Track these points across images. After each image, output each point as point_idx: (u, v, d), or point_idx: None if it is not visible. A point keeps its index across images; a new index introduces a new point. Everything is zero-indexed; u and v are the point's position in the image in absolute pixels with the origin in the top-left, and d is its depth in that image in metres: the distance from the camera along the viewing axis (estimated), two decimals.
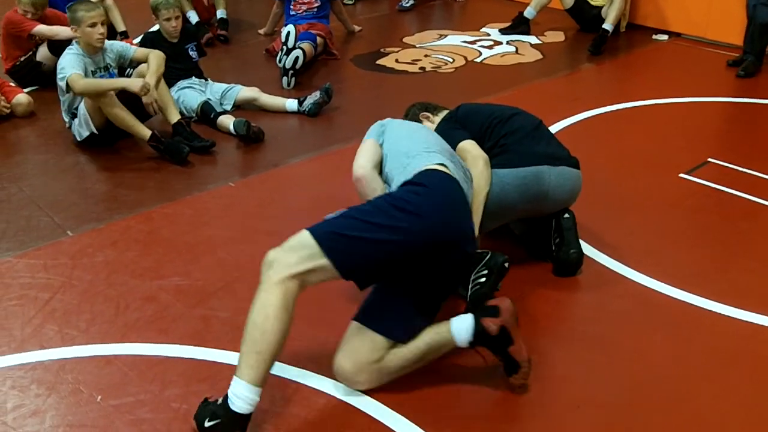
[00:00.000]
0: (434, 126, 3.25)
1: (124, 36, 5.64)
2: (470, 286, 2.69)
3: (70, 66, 4.09)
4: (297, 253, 2.27)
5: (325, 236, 2.29)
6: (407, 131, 2.83)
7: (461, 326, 2.40)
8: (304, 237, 2.31)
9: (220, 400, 2.20)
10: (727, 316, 2.84)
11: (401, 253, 2.33)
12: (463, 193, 2.57)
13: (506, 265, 2.70)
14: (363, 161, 2.79)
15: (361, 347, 2.41)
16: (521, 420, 2.38)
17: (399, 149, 2.71)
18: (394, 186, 2.58)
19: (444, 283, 2.52)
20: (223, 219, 3.55)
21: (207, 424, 2.18)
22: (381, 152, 2.80)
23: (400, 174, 2.58)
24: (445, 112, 3.33)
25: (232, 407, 2.17)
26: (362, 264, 2.33)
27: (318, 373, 2.51)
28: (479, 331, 2.37)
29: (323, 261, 2.26)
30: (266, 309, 2.22)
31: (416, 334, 2.43)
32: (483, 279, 2.67)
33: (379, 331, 2.40)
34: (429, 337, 2.43)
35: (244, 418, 2.19)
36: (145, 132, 4.11)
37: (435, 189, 2.46)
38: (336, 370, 2.44)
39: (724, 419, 2.36)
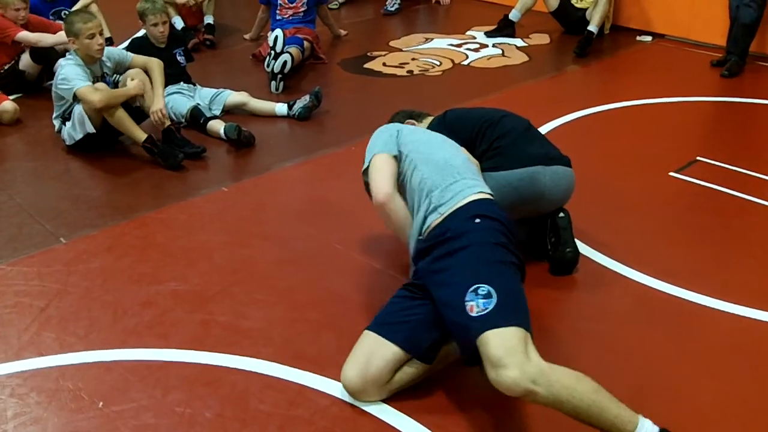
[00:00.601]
0: None
1: (110, 42, 5.60)
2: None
3: (77, 78, 4.04)
4: (518, 351, 2.05)
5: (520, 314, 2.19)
6: (434, 138, 2.76)
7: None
8: (510, 332, 2.09)
9: None
10: (724, 311, 2.87)
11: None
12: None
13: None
14: (383, 184, 2.55)
15: (375, 360, 2.33)
16: (520, 417, 2.38)
17: (437, 159, 2.59)
18: (437, 199, 2.49)
19: None
20: (218, 223, 3.54)
21: None
22: (396, 166, 2.62)
23: (445, 190, 2.50)
24: (430, 118, 3.33)
25: None
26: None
27: (322, 375, 2.50)
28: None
29: (527, 334, 2.14)
30: (579, 383, 2.06)
31: (435, 348, 2.37)
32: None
33: (398, 343, 2.33)
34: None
35: None
36: (141, 135, 4.10)
37: (509, 225, 2.47)
38: (344, 382, 2.37)
39: (723, 414, 2.38)
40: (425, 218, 2.50)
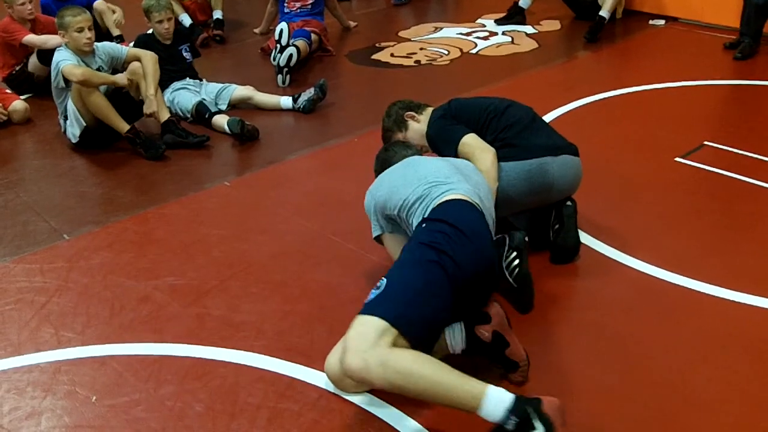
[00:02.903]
0: (422, 125, 3.21)
1: (120, 40, 5.65)
2: (507, 273, 2.66)
3: (64, 59, 4.13)
4: (368, 338, 2.11)
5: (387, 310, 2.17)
6: (399, 177, 2.67)
7: (453, 335, 2.34)
8: (368, 321, 2.15)
9: (513, 422, 2.01)
10: (724, 299, 2.82)
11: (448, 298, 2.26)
12: (483, 218, 2.48)
13: (525, 239, 2.70)
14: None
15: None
16: None
17: (400, 197, 2.57)
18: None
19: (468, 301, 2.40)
20: (218, 218, 3.56)
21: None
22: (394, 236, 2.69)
23: (414, 215, 2.51)
24: (429, 110, 3.28)
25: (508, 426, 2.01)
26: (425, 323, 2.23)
27: (311, 367, 2.51)
28: (473, 340, 2.33)
29: (394, 333, 2.13)
30: (416, 362, 2.07)
31: (425, 335, 2.25)
32: (516, 260, 2.65)
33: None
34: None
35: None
36: (123, 125, 4.16)
37: (459, 224, 2.35)
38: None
39: (720, 401, 2.34)
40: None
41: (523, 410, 2.00)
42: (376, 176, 2.89)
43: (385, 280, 2.26)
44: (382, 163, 2.95)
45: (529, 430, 1.99)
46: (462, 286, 2.26)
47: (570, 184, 3.09)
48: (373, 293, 2.24)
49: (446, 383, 2.06)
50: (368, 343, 2.09)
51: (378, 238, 2.78)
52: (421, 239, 2.35)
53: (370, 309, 2.18)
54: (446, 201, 2.46)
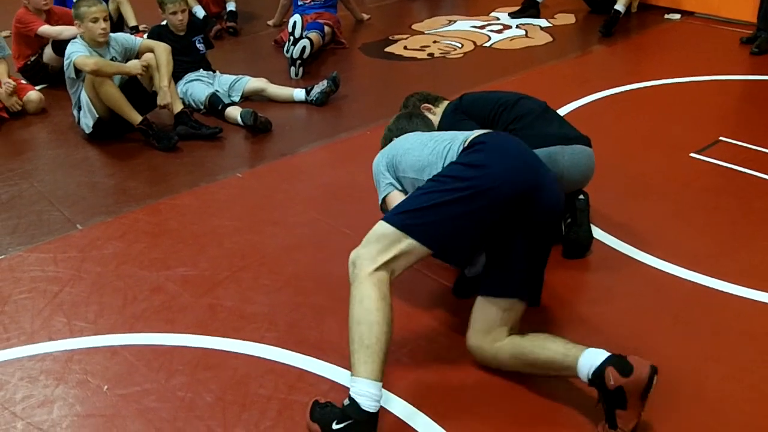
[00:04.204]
0: (437, 117, 3.21)
1: (135, 30, 5.67)
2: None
3: (76, 51, 4.15)
4: (377, 244, 2.24)
5: (400, 218, 2.25)
6: (417, 144, 2.64)
7: (588, 362, 2.15)
8: (380, 227, 2.27)
9: (346, 402, 2.12)
10: (739, 296, 2.80)
11: (483, 211, 2.24)
12: (525, 145, 2.47)
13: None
14: None
15: (484, 315, 2.35)
16: (517, 400, 2.36)
17: (423, 163, 2.56)
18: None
19: (544, 233, 2.39)
20: (230, 209, 3.57)
21: (336, 426, 2.10)
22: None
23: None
24: (445, 103, 3.29)
25: (362, 407, 2.09)
26: (447, 233, 2.24)
27: (322, 360, 2.51)
28: (598, 375, 2.11)
29: (407, 242, 2.22)
30: (364, 303, 2.16)
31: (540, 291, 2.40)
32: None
33: (505, 296, 2.33)
34: (556, 352, 2.23)
35: (375, 417, 2.12)
36: (136, 116, 4.17)
37: (496, 142, 2.40)
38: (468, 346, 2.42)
39: (733, 400, 2.32)
40: None
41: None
42: (382, 146, 2.94)
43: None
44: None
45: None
46: (501, 198, 2.23)
47: (582, 174, 3.07)
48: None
49: (385, 331, 2.16)
50: (368, 245, 2.24)
51: (384, 202, 2.73)
52: (455, 161, 2.38)
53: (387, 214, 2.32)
54: (480, 134, 2.46)
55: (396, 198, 2.66)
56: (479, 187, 2.23)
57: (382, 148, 2.93)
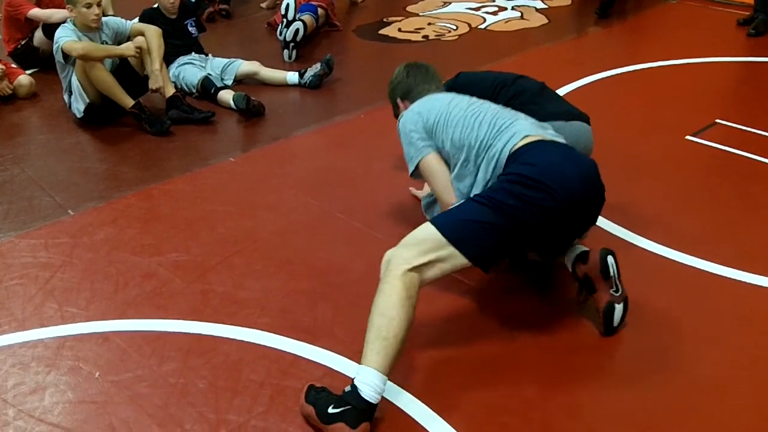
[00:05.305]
0: None
1: None
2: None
3: (64, 36, 4.11)
4: (416, 247, 2.24)
5: (451, 228, 2.26)
6: (460, 117, 2.62)
7: (569, 262, 2.55)
8: (426, 230, 2.28)
9: (347, 388, 2.11)
10: (736, 280, 2.78)
11: (538, 229, 2.33)
12: (564, 146, 2.50)
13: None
14: (449, 195, 2.63)
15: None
16: (516, 382, 2.35)
17: (464, 141, 2.56)
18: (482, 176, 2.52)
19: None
20: (223, 194, 3.54)
21: (332, 410, 2.08)
22: (442, 160, 2.66)
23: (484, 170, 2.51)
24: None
25: (363, 395, 2.07)
26: (496, 252, 2.31)
27: (315, 345, 2.49)
28: (573, 271, 2.55)
29: (449, 251, 2.24)
30: (390, 297, 2.15)
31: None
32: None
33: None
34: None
35: (373, 408, 2.10)
36: (128, 100, 4.13)
37: (549, 152, 2.42)
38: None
39: (730, 383, 2.31)
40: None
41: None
42: (395, 98, 2.96)
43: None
44: (407, 89, 2.97)
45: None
46: (559, 214, 2.32)
47: (582, 151, 3.04)
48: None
49: (399, 337, 2.13)
50: (405, 247, 2.26)
51: (418, 167, 2.70)
52: (492, 193, 2.36)
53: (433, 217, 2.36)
54: (516, 150, 2.44)
55: (433, 162, 2.66)
56: (541, 214, 2.29)
57: (392, 97, 2.98)
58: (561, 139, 2.56)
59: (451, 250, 2.24)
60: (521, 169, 2.36)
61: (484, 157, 2.51)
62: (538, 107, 3.00)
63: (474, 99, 2.74)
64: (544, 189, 2.29)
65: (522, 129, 2.50)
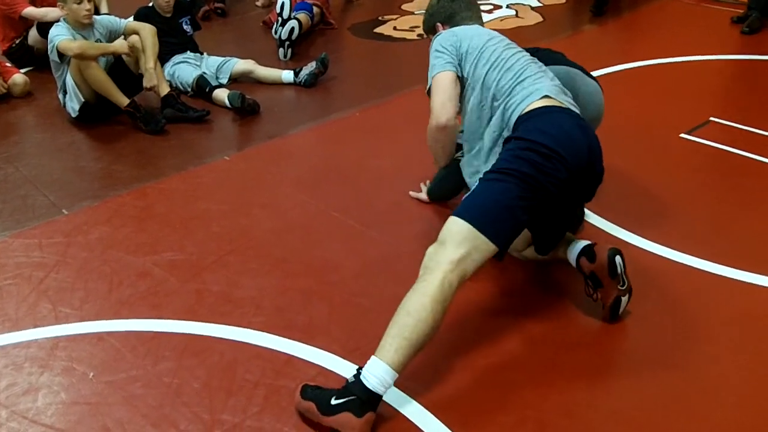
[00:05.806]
0: None
1: None
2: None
3: (59, 35, 4.10)
4: (451, 242, 2.20)
5: (473, 216, 2.23)
6: (498, 60, 2.61)
7: (572, 254, 2.57)
8: (454, 225, 2.24)
9: (351, 379, 2.09)
10: (729, 278, 2.78)
11: (550, 201, 2.34)
12: (577, 116, 2.49)
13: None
14: (450, 107, 2.62)
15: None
16: (512, 382, 2.35)
17: (491, 83, 2.57)
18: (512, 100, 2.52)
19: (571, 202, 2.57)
20: (218, 193, 3.53)
21: (335, 401, 2.06)
22: (459, 85, 2.64)
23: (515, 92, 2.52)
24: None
25: (368, 385, 2.05)
26: (514, 231, 2.32)
27: (311, 345, 2.49)
28: (577, 265, 2.56)
29: (480, 240, 2.21)
30: (422, 298, 2.11)
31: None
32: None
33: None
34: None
35: (377, 399, 2.08)
36: (123, 99, 4.12)
37: (559, 121, 2.41)
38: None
39: (724, 381, 2.32)
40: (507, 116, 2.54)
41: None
42: (434, 23, 2.94)
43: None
44: (450, 13, 2.92)
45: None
46: (566, 182, 2.33)
47: (595, 111, 3.06)
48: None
49: (420, 339, 2.11)
50: (446, 246, 2.20)
51: (433, 79, 2.67)
52: (514, 154, 2.35)
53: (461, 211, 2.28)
54: (529, 112, 2.44)
55: (447, 80, 2.63)
56: (556, 185, 2.30)
57: (431, 22, 2.96)
58: (576, 109, 2.54)
59: (482, 239, 2.21)
60: (536, 136, 2.34)
61: (501, 103, 2.53)
62: (554, 60, 2.99)
63: (512, 44, 2.73)
64: (558, 159, 2.30)
65: (543, 88, 2.50)
